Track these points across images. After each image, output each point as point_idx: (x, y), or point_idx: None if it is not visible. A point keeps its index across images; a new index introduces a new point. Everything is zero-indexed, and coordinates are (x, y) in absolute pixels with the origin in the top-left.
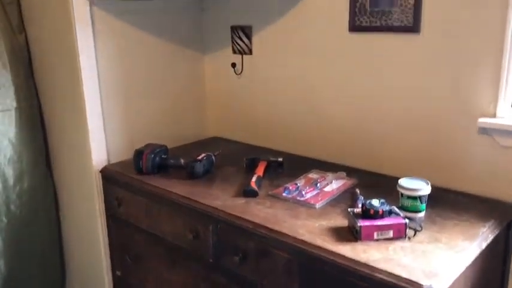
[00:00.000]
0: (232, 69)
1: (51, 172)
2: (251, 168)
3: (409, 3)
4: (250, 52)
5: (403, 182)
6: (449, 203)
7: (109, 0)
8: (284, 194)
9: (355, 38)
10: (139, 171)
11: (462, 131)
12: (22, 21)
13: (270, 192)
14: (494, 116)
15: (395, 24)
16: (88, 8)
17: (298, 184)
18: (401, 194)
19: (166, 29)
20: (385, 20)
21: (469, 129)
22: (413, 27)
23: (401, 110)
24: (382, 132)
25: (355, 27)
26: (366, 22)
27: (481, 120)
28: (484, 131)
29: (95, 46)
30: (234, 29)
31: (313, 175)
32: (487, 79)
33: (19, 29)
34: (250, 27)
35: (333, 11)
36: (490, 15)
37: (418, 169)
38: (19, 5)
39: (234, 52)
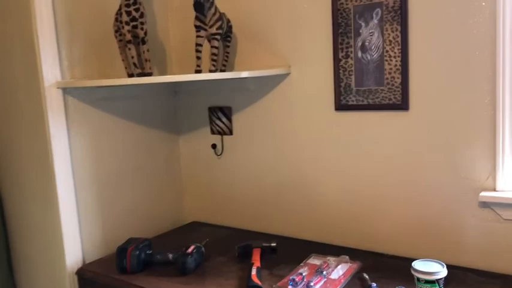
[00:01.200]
0: (212, 151)
1: (13, 279)
2: (244, 257)
3: (396, 82)
4: (231, 132)
5: (417, 265)
6: (461, 282)
7: (82, 89)
8: (290, 287)
9: (343, 116)
10: (123, 270)
11: (462, 206)
12: None
13: (274, 286)
14: (494, 189)
15: (384, 102)
16: (61, 96)
17: (303, 274)
18: (418, 279)
19: (140, 113)
20: (373, 99)
21: (470, 204)
22: (402, 104)
23: (397, 187)
24: (378, 209)
25: (341, 106)
26: (353, 101)
27: (482, 194)
28: (485, 204)
29: (68, 136)
30: (212, 110)
31: (314, 261)
32: (483, 153)
33: None
34: (229, 108)
35: (317, 90)
36: (480, 91)
37: (420, 245)
38: None
39: (213, 133)
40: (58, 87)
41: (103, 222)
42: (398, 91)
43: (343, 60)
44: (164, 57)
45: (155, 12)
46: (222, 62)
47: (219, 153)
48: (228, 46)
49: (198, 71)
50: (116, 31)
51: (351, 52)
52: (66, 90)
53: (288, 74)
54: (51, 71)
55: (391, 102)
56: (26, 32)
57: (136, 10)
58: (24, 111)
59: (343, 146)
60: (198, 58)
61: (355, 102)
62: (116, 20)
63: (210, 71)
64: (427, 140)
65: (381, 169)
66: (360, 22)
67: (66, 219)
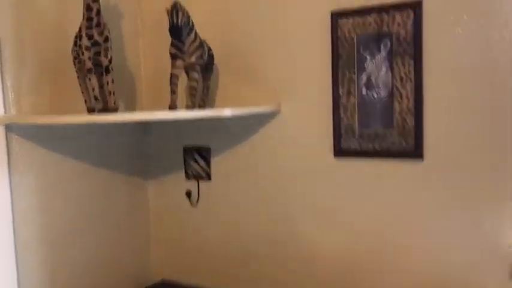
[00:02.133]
0: (187, 199)
1: None
2: None
3: (408, 125)
4: (209, 177)
5: None
6: None
7: (30, 126)
8: None
9: (343, 164)
10: None
11: (488, 275)
12: None
13: None
14: None
15: (393, 148)
16: (3, 134)
17: None
18: None
19: (101, 153)
20: (380, 144)
21: (498, 273)
22: (415, 151)
23: (408, 248)
24: (384, 271)
25: (341, 151)
26: (355, 145)
27: None
28: None
29: (10, 183)
30: (187, 151)
31: None
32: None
33: None
34: (208, 149)
35: (312, 131)
36: (510, 139)
37: None
38: None
39: (188, 177)
40: None
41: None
42: (411, 136)
43: (345, 98)
44: (133, 88)
45: (124, 35)
46: (201, 96)
47: (194, 202)
48: (209, 78)
49: (172, 108)
50: (75, 57)
51: (354, 88)
52: (9, 127)
53: (277, 112)
54: None
55: (401, 148)
56: None
57: (100, 33)
58: None
59: (343, 198)
60: (173, 92)
61: (358, 147)
62: (75, 44)
63: (187, 108)
64: (445, 195)
65: (388, 226)
66: (365, 54)
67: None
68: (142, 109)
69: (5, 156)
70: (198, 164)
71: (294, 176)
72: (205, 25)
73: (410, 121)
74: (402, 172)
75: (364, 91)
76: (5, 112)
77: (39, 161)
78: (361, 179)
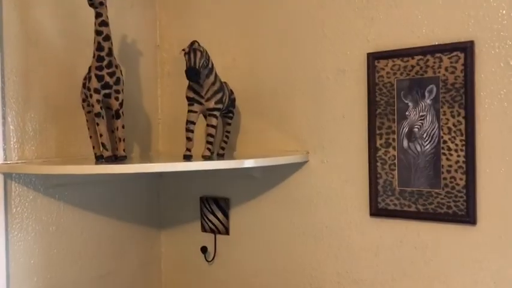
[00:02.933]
0: (202, 255)
1: None
2: None
3: (458, 184)
4: (227, 232)
5: None
6: None
7: (32, 174)
8: None
9: (380, 225)
10: None
11: None
12: None
13: None
14: None
15: (440, 210)
16: (1, 183)
17: None
18: None
19: (110, 203)
20: (424, 205)
21: None
22: (466, 216)
23: None
24: None
25: (378, 210)
26: (395, 205)
27: None
28: None
29: (6, 237)
30: (204, 201)
31: None
32: None
33: None
34: (226, 200)
35: (345, 186)
36: None
37: None
38: None
39: (204, 230)
40: None
41: None
42: (462, 197)
43: (383, 150)
44: (149, 130)
45: (142, 76)
46: (221, 143)
47: (210, 259)
48: (229, 124)
49: (187, 157)
50: (84, 100)
51: (394, 140)
52: (9, 175)
53: (305, 162)
54: None
55: (450, 211)
56: None
57: (111, 75)
58: None
59: (381, 263)
60: (189, 139)
61: (398, 207)
62: (84, 86)
63: (204, 157)
64: (501, 267)
65: None
66: (407, 101)
67: None
68: (158, 152)
69: (2, 208)
70: (216, 216)
71: (323, 235)
72: (228, 66)
73: (461, 180)
74: (450, 239)
75: (405, 143)
76: (6, 159)
77: (40, 212)
78: (401, 243)
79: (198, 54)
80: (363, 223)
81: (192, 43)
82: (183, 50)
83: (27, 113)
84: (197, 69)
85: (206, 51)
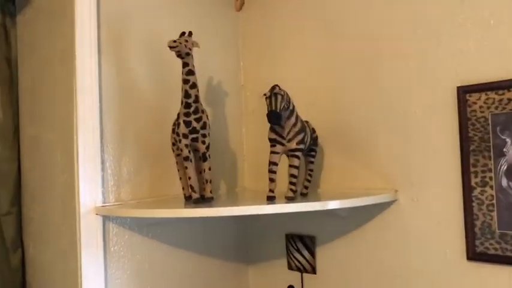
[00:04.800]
0: None
1: None
2: None
3: None
4: (314, 271)
5: None
6: None
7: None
8: None
9: (479, 270)
10: None
11: None
12: (20, 237)
13: None
14: None
15: None
16: (100, 224)
17: None
18: None
19: (201, 239)
20: None
21: None
22: None
23: None
24: None
25: (476, 255)
26: (496, 249)
27: None
28: None
29: (105, 276)
30: (290, 238)
31: None
32: None
33: (14, 246)
34: (312, 238)
35: (438, 228)
36: None
37: None
38: (19, 217)
39: (291, 268)
40: (97, 214)
41: None
42: None
43: (479, 189)
44: (235, 167)
45: (227, 115)
46: (304, 182)
47: None
48: (312, 162)
49: (270, 198)
50: (173, 144)
51: (491, 178)
52: (107, 217)
53: (393, 201)
54: (89, 194)
55: None
56: (67, 144)
57: (198, 120)
58: (58, 241)
59: None
60: (272, 181)
61: (499, 252)
62: (173, 131)
63: (287, 199)
64: None
65: None
66: (504, 137)
67: None
68: (244, 189)
69: (101, 248)
70: (302, 255)
71: (415, 279)
72: (311, 103)
73: None
74: None
75: (504, 182)
76: (104, 201)
77: (135, 250)
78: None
79: (279, 97)
80: (459, 268)
81: (273, 87)
82: (265, 94)
83: (122, 158)
84: (278, 113)
85: (287, 94)
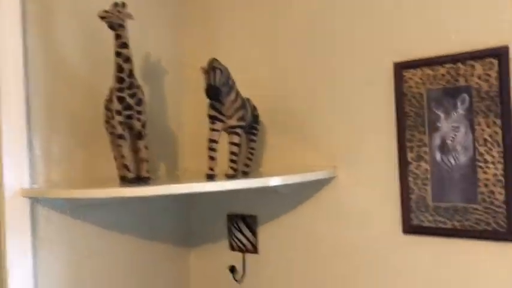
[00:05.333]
0: (231, 274)
1: None
2: None
3: (497, 199)
4: (255, 250)
5: None
6: None
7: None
8: None
9: (414, 243)
10: None
11: None
12: None
13: None
14: None
15: (478, 227)
16: (28, 207)
17: None
18: None
19: (138, 222)
20: (461, 221)
21: None
22: (507, 233)
23: None
24: None
25: (412, 227)
26: (430, 222)
27: None
28: None
29: (33, 262)
30: (231, 219)
31: None
32: None
33: None
34: (254, 217)
35: (375, 202)
36: None
37: None
38: None
39: (233, 249)
40: (24, 196)
41: None
42: (502, 213)
43: (414, 164)
44: (175, 148)
45: (166, 94)
46: (245, 161)
47: (238, 278)
48: (254, 140)
49: (210, 177)
50: (106, 122)
51: (425, 153)
52: (36, 199)
53: (332, 178)
54: (14, 175)
55: (490, 228)
56: None
57: (132, 96)
58: None
59: (416, 283)
60: (211, 158)
61: (433, 224)
62: (106, 108)
63: (228, 176)
64: None
65: None
66: (438, 112)
67: None
68: (185, 170)
69: (29, 232)
70: (243, 235)
71: (354, 253)
72: (251, 82)
73: (500, 194)
74: (490, 257)
75: (438, 156)
76: (33, 183)
77: (68, 233)
78: (437, 262)
79: (218, 72)
80: (395, 241)
81: (212, 61)
82: (202, 68)
83: (52, 137)
84: (217, 88)
85: (226, 69)
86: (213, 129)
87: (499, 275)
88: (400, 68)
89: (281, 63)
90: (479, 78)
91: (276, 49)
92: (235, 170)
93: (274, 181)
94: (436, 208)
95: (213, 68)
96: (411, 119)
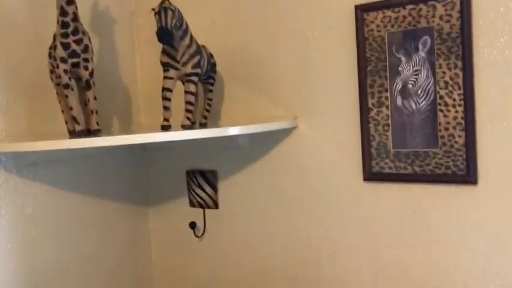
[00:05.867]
0: (191, 231)
1: None
2: None
3: (457, 142)
4: (216, 206)
5: None
6: None
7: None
8: None
9: (375, 190)
10: None
11: None
12: None
13: None
14: None
15: (438, 171)
16: None
17: None
18: None
19: (92, 179)
20: (421, 166)
21: None
22: (466, 175)
23: None
24: None
25: (372, 174)
26: (390, 168)
27: None
28: None
29: None
30: (191, 174)
31: None
32: None
33: None
34: (214, 172)
35: (336, 151)
36: None
37: None
38: None
39: (193, 205)
40: None
41: None
42: (461, 156)
43: (375, 110)
44: (129, 102)
45: (118, 45)
46: (203, 112)
47: (199, 234)
48: (211, 90)
49: (164, 127)
50: (51, 71)
51: (387, 98)
52: None
53: (293, 128)
54: None
55: (449, 171)
56: None
57: (78, 42)
58: None
59: (377, 230)
60: (166, 109)
61: (393, 170)
62: (50, 55)
63: (183, 127)
64: (504, 231)
65: (435, 265)
66: (399, 56)
67: None
68: (140, 126)
69: None
70: (203, 190)
71: (316, 203)
72: (206, 29)
73: (460, 137)
74: (450, 200)
75: (399, 101)
76: None
77: (14, 193)
78: (398, 208)
79: (170, 13)
80: (356, 189)
81: (163, 1)
82: (153, 9)
83: None
84: (169, 30)
85: (179, 11)
86: (166, 77)
87: (459, 217)
88: (361, 10)
89: (238, 11)
90: (440, 19)
91: None
92: (191, 120)
93: (233, 130)
94: (397, 154)
95: (164, 8)
96: (372, 63)
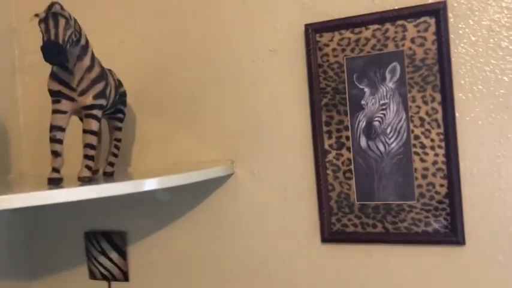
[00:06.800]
0: None
1: None
2: None
3: (439, 193)
4: (125, 277)
5: None
6: None
7: None
8: None
9: (335, 253)
10: None
11: None
12: None
13: None
14: None
15: (415, 229)
16: None
17: None
18: None
19: None
20: (394, 223)
21: None
22: (451, 234)
23: None
24: None
25: (332, 235)
26: (355, 225)
27: None
28: None
29: None
30: (91, 237)
31: None
32: None
33: None
34: (122, 234)
35: (285, 205)
36: None
37: None
38: None
39: (94, 277)
40: None
41: None
42: (444, 210)
43: (333, 153)
44: (8, 144)
45: None
46: (108, 157)
47: None
48: (119, 128)
49: (53, 181)
50: None
51: (348, 138)
52: None
53: (229, 176)
54: None
55: (430, 229)
56: None
57: None
58: None
59: None
60: (56, 154)
61: (359, 229)
62: None
63: (81, 180)
64: None
65: None
66: (362, 86)
67: None
68: (20, 175)
69: None
70: (108, 258)
71: (259, 272)
72: (114, 50)
73: (442, 187)
74: (432, 266)
75: (363, 142)
76: None
77: None
78: (366, 277)
79: (62, 21)
80: (312, 253)
81: (52, 5)
82: (36, 15)
83: None
84: (60, 44)
85: (75, 20)
86: (57, 111)
87: (443, 285)
88: (313, 31)
89: (156, 29)
90: (412, 42)
91: (149, 10)
92: (92, 169)
93: (149, 184)
94: (362, 208)
95: (53, 14)
96: (328, 96)
